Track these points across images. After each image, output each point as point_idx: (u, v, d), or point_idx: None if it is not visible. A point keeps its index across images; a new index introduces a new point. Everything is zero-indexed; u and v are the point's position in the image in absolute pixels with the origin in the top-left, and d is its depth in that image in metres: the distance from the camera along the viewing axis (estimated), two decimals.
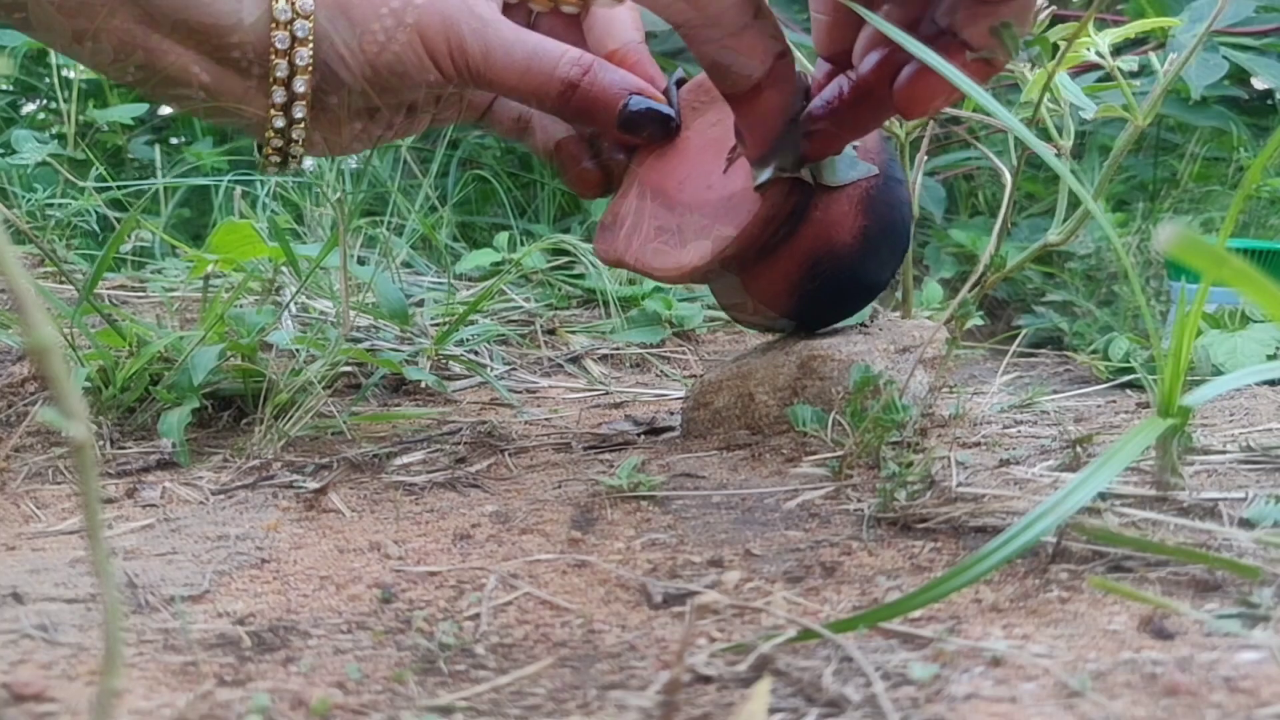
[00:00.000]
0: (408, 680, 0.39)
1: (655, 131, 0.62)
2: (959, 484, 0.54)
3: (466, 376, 0.90)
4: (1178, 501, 0.50)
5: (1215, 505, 0.49)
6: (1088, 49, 0.77)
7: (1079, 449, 0.58)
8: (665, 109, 0.62)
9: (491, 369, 0.93)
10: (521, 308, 1.11)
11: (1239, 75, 1.35)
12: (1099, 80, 0.88)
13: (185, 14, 0.54)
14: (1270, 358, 0.86)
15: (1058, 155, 0.80)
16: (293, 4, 0.55)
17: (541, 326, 1.07)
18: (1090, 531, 0.46)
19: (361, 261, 1.20)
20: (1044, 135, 0.81)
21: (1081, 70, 1.23)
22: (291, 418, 0.68)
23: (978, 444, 0.64)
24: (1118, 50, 0.78)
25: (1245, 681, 0.34)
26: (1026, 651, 0.38)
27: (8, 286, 0.21)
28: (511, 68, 0.57)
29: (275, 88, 0.57)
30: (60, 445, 0.66)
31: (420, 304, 1.08)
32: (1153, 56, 0.78)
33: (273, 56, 0.56)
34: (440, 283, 1.18)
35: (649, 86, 0.62)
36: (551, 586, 0.47)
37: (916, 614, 0.42)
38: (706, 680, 0.39)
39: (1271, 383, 0.80)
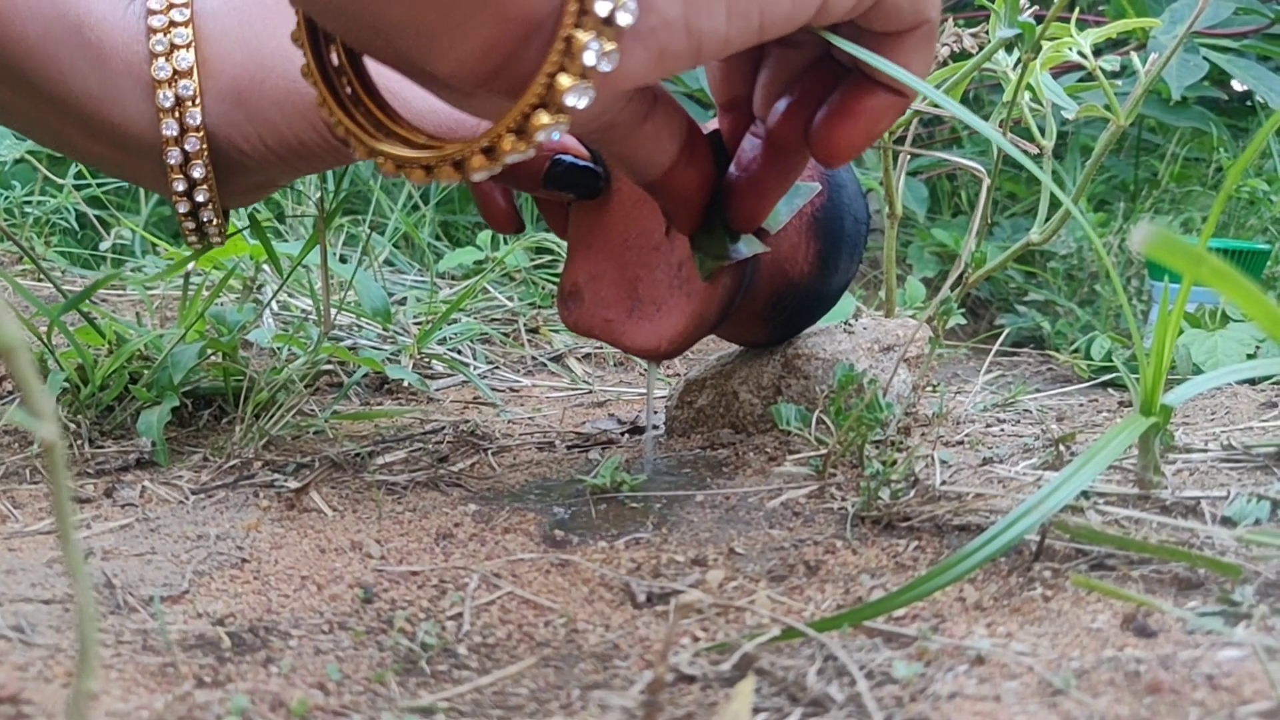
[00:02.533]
0: (389, 681, 0.39)
1: (582, 188, 0.60)
2: (942, 482, 0.54)
3: (448, 375, 0.90)
4: (1159, 500, 0.50)
5: (1197, 503, 0.50)
6: (1069, 49, 0.78)
7: (1061, 448, 0.58)
8: (591, 165, 0.60)
9: (474, 368, 0.93)
10: (504, 306, 1.10)
11: (1218, 76, 1.36)
12: (1080, 80, 0.88)
13: (72, 103, 0.53)
14: (1250, 357, 0.87)
15: (1039, 156, 0.81)
16: (175, 90, 0.53)
17: (524, 325, 1.06)
18: (1073, 530, 0.46)
19: (343, 260, 1.19)
20: (1026, 135, 0.81)
21: (1063, 70, 1.24)
22: (272, 416, 0.68)
23: (960, 443, 0.64)
24: (1098, 51, 0.78)
25: (1227, 679, 0.34)
26: (1009, 650, 0.38)
27: None
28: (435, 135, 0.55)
29: (174, 177, 0.55)
30: (35, 444, 0.65)
31: (402, 302, 1.08)
32: (1134, 56, 0.79)
33: (165, 145, 0.54)
34: (422, 281, 1.18)
35: (574, 143, 0.60)
36: (534, 586, 0.47)
37: (900, 612, 0.42)
38: (690, 680, 0.39)
39: (1251, 381, 0.80)
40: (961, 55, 0.81)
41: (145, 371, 0.68)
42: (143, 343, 0.70)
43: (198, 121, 0.54)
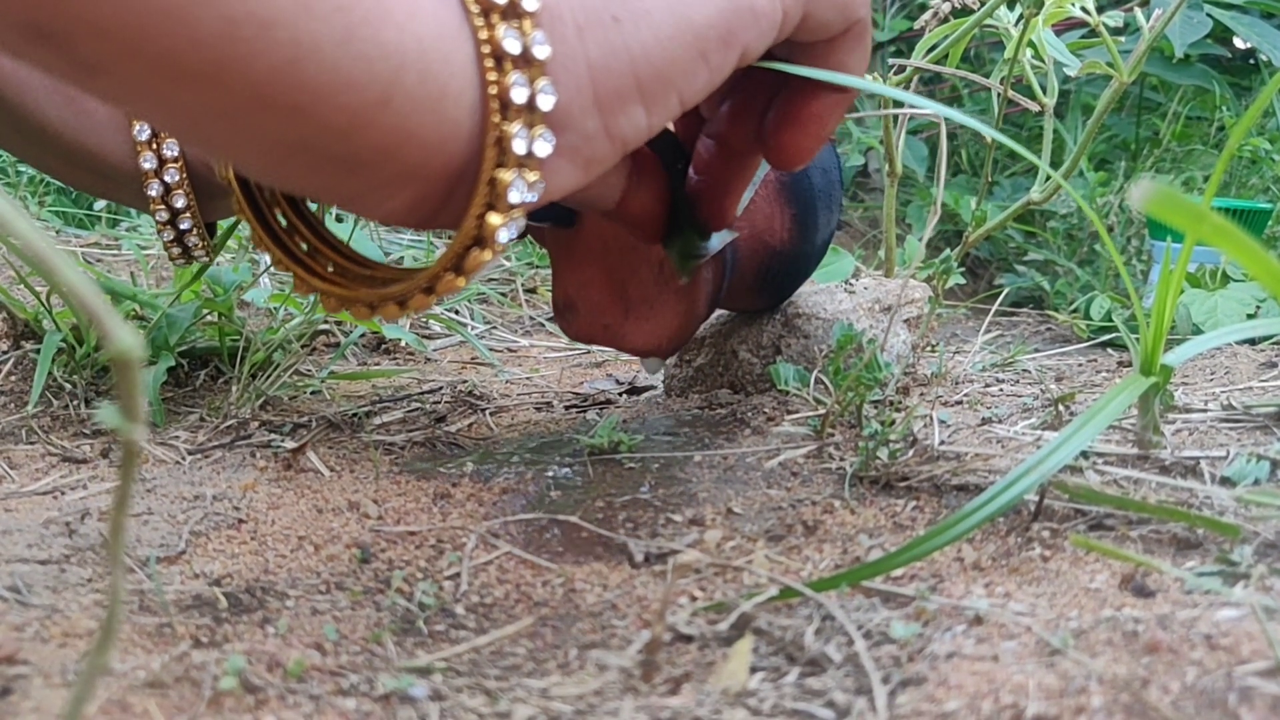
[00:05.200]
0: (386, 641, 0.39)
1: (557, 220, 0.58)
2: (940, 442, 0.54)
3: (446, 335, 0.89)
4: (1159, 460, 0.50)
5: (1196, 463, 0.49)
6: (1072, 4, 0.77)
7: (1060, 407, 0.58)
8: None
9: (471, 328, 0.93)
10: (501, 266, 1.10)
11: (1221, 34, 1.35)
12: (1082, 38, 0.88)
13: (51, 133, 0.53)
14: (1250, 316, 0.87)
15: (1040, 113, 0.80)
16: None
17: (522, 285, 1.06)
18: (1072, 490, 0.46)
19: (339, 219, 1.19)
20: (1027, 93, 0.80)
21: (1065, 28, 1.22)
22: (269, 376, 0.68)
23: (959, 402, 0.64)
24: (1101, 7, 0.77)
25: (1225, 639, 0.34)
26: (1008, 610, 0.38)
27: (72, 296, 0.20)
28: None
29: (156, 208, 0.55)
30: (30, 406, 0.65)
31: (399, 261, 1.07)
32: (1138, 12, 0.78)
33: (144, 178, 0.54)
34: (419, 240, 1.17)
35: None
36: (531, 546, 0.47)
37: (898, 572, 0.42)
38: (687, 639, 0.39)
39: (1251, 341, 0.80)
40: (963, 11, 0.80)
41: (141, 331, 0.68)
42: (138, 302, 0.69)
43: (175, 153, 0.54)
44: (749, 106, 0.46)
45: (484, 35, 0.34)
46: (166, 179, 0.54)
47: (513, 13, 0.34)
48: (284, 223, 0.44)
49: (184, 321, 0.68)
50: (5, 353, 0.71)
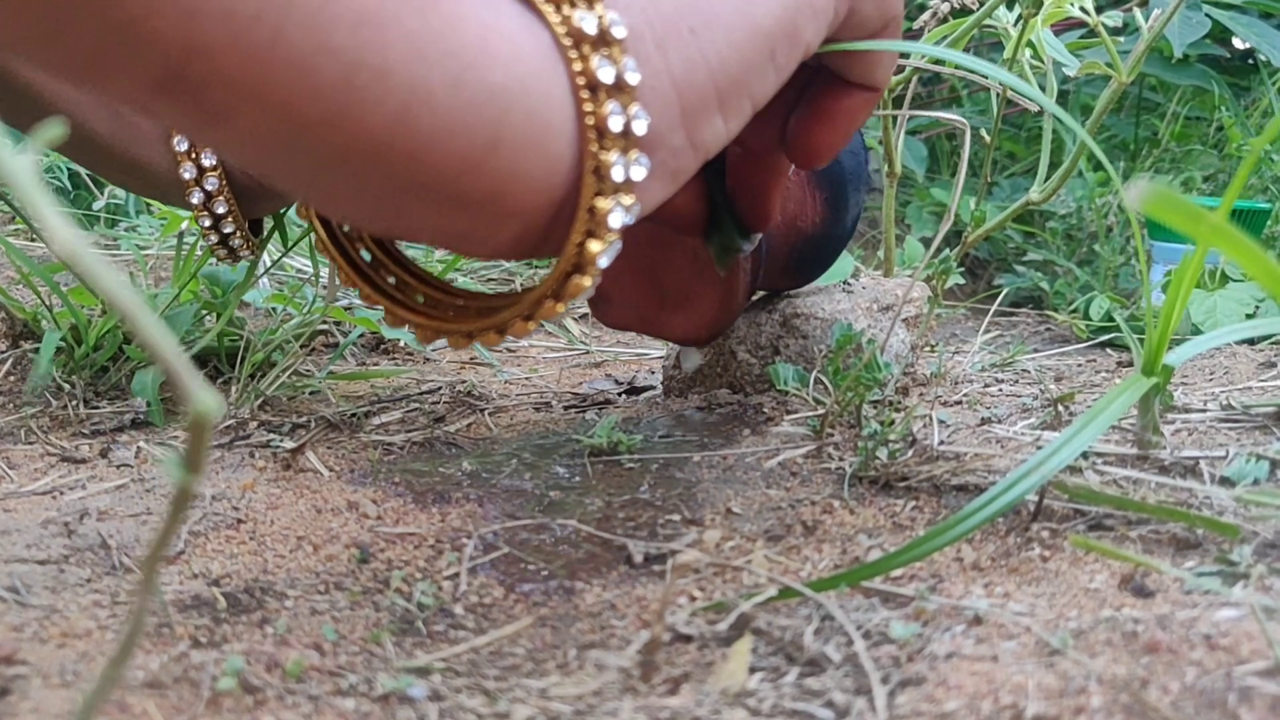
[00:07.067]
0: (385, 641, 0.39)
1: None
2: (940, 442, 0.54)
3: None
4: (1158, 460, 0.50)
5: (1195, 463, 0.49)
6: (1071, 4, 0.77)
7: (1059, 407, 0.58)
8: None
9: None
10: (500, 265, 1.10)
11: (1220, 34, 1.35)
12: (1081, 38, 0.88)
13: (96, 141, 0.54)
14: (1249, 316, 0.87)
15: (1039, 114, 0.80)
16: None
17: (521, 285, 1.06)
18: (1071, 490, 0.46)
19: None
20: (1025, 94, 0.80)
21: (1064, 28, 1.22)
22: (268, 376, 0.68)
23: (958, 402, 0.64)
24: (1100, 7, 0.77)
25: (1224, 639, 0.34)
26: (1007, 610, 0.38)
27: (154, 352, 0.20)
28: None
29: (199, 214, 0.56)
30: (31, 405, 0.65)
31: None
32: (1137, 13, 0.78)
33: (186, 187, 0.55)
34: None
35: None
36: (530, 546, 0.47)
37: (897, 573, 0.42)
38: (687, 639, 0.39)
39: (1250, 341, 0.80)
40: (962, 11, 0.80)
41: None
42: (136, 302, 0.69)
43: (213, 161, 0.55)
44: (772, 109, 0.46)
45: (578, 67, 0.34)
46: (207, 187, 0.55)
47: (603, 41, 0.34)
48: (368, 258, 0.44)
49: (184, 323, 0.68)
50: (4, 352, 0.71)
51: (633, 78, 0.35)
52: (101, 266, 0.19)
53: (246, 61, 0.29)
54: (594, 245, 0.36)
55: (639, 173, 0.35)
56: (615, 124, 0.35)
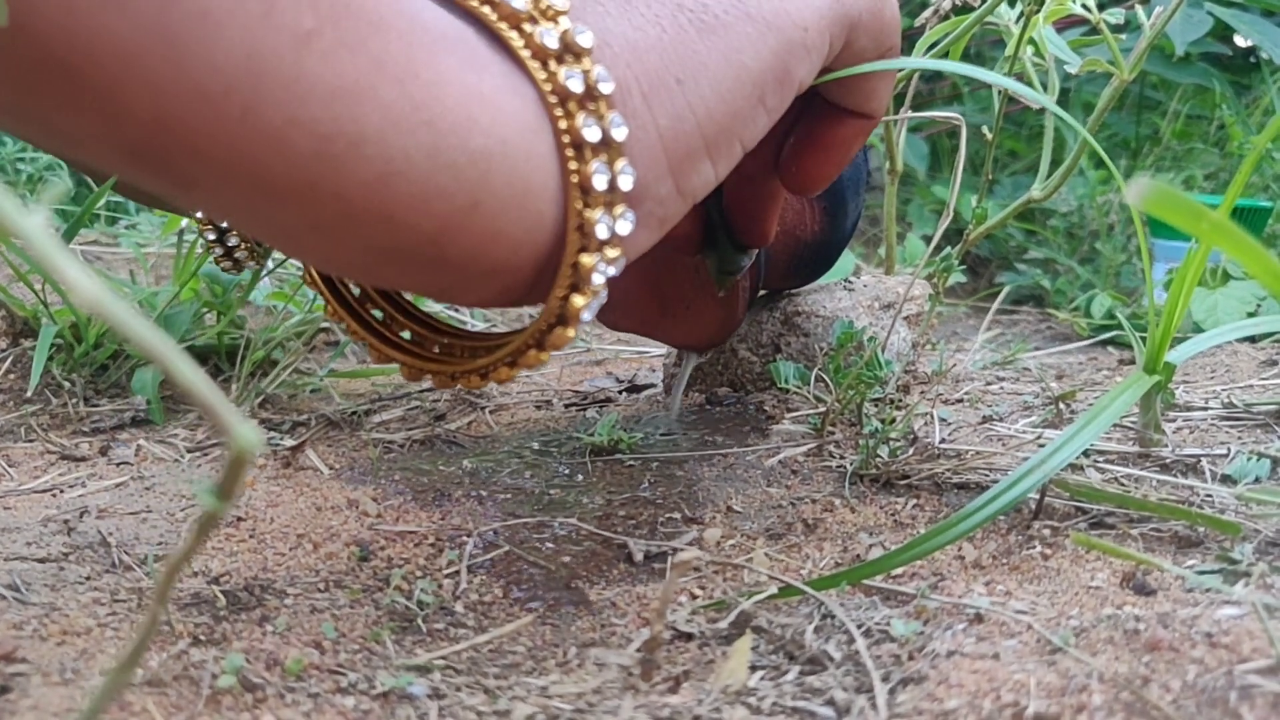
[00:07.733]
0: (385, 639, 0.39)
1: None
2: (941, 440, 0.54)
3: None
4: (1159, 458, 0.50)
5: (1197, 461, 0.49)
6: (1073, 2, 0.77)
7: (1061, 405, 0.58)
8: None
9: (470, 325, 0.92)
10: None
11: (1222, 32, 1.35)
12: (1083, 35, 0.87)
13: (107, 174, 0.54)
14: (1250, 314, 0.86)
15: (1041, 112, 0.80)
16: None
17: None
18: (1073, 488, 0.46)
19: None
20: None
21: (1066, 25, 1.22)
22: (268, 374, 0.68)
23: (959, 401, 0.64)
24: (1102, 5, 0.77)
25: (1226, 637, 0.34)
26: (1008, 608, 0.38)
27: (187, 389, 0.20)
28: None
29: (203, 229, 0.56)
30: (30, 403, 0.65)
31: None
32: (1138, 10, 0.78)
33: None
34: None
35: None
36: (531, 544, 0.47)
37: (898, 571, 0.42)
38: (687, 637, 0.39)
39: (1251, 339, 0.80)
40: (963, 9, 0.80)
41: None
42: (137, 301, 0.69)
43: None
44: (766, 135, 0.46)
45: (563, 125, 0.34)
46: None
47: (590, 97, 0.34)
48: (357, 292, 0.44)
49: (184, 321, 0.68)
50: (4, 350, 0.71)
51: (619, 134, 0.34)
52: (130, 316, 0.19)
53: (216, 135, 0.29)
54: (578, 300, 0.36)
55: (624, 227, 0.35)
56: (600, 182, 0.34)
